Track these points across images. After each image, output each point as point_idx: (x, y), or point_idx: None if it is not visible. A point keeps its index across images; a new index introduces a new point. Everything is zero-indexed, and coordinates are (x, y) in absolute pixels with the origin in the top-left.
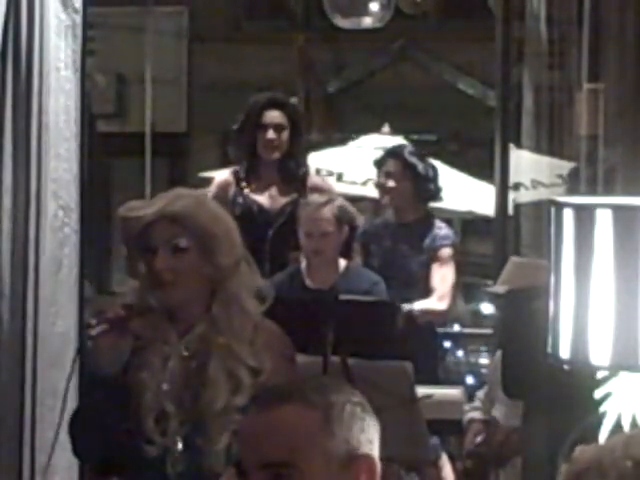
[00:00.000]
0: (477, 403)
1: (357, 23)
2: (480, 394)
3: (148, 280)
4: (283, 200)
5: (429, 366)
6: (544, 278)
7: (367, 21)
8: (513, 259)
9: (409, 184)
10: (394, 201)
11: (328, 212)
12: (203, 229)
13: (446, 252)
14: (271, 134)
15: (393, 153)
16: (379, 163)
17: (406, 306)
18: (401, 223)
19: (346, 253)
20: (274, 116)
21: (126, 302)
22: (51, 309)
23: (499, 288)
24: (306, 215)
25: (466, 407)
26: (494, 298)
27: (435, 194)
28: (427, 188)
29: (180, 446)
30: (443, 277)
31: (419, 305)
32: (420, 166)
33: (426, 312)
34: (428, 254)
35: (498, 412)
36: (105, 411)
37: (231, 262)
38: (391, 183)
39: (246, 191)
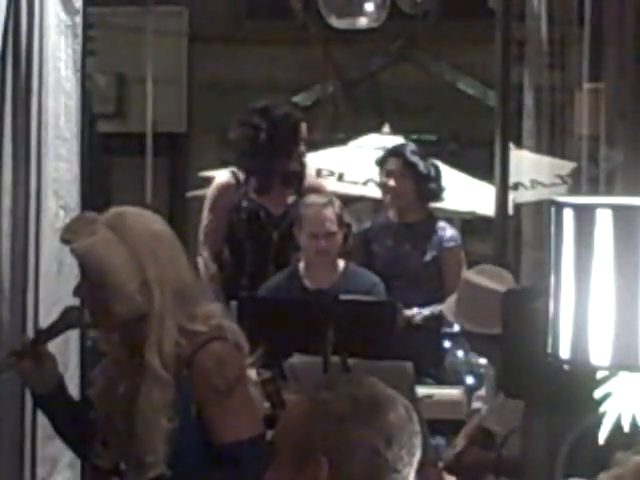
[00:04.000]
0: (483, 392)
1: (352, 23)
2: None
3: None
4: (286, 202)
5: (432, 366)
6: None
7: (362, 21)
8: (466, 277)
9: (410, 183)
10: (396, 200)
11: (331, 212)
12: (98, 275)
13: (457, 254)
14: (303, 148)
15: (394, 152)
16: (381, 162)
17: (435, 308)
18: (403, 223)
19: (342, 253)
20: (304, 129)
21: (40, 327)
22: (52, 309)
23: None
24: (311, 215)
25: (473, 397)
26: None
27: (437, 194)
28: (429, 187)
29: (123, 464)
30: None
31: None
32: (421, 165)
33: None
34: (437, 256)
35: (486, 411)
36: (55, 425)
37: (126, 311)
38: (392, 182)
39: (250, 194)
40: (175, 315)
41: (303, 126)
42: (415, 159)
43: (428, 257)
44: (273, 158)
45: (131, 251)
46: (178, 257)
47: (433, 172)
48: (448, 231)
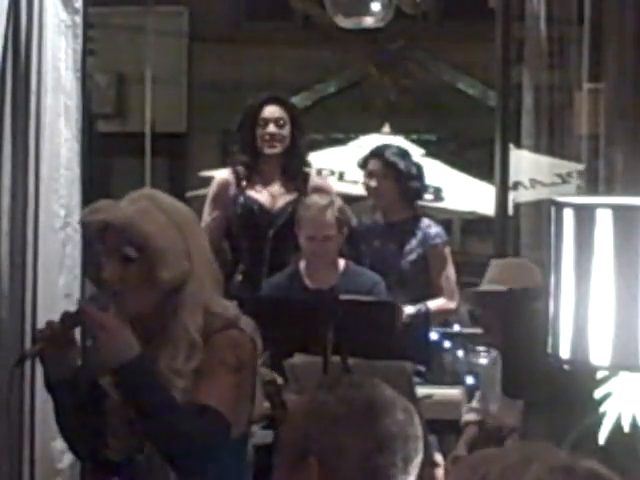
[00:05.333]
0: (474, 403)
1: (358, 23)
2: (478, 394)
3: (102, 287)
4: (284, 200)
5: (421, 363)
6: (532, 278)
7: (369, 21)
8: (495, 261)
9: (392, 183)
10: (379, 201)
11: (330, 215)
12: (145, 240)
13: (442, 250)
14: (272, 128)
15: (375, 153)
16: (363, 164)
17: (422, 305)
18: (388, 223)
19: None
20: (274, 111)
21: (67, 310)
22: (51, 309)
23: (492, 287)
24: (308, 218)
25: (463, 408)
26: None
27: (420, 192)
28: (411, 187)
29: (141, 455)
30: (447, 276)
31: (433, 304)
32: (402, 165)
33: (439, 311)
34: (423, 253)
35: (494, 407)
36: (65, 415)
37: (173, 276)
38: (374, 183)
39: (248, 191)
40: (206, 290)
41: (268, 108)
42: (396, 159)
43: (414, 255)
44: (243, 140)
45: (170, 218)
46: (205, 237)
47: (415, 171)
48: (433, 228)
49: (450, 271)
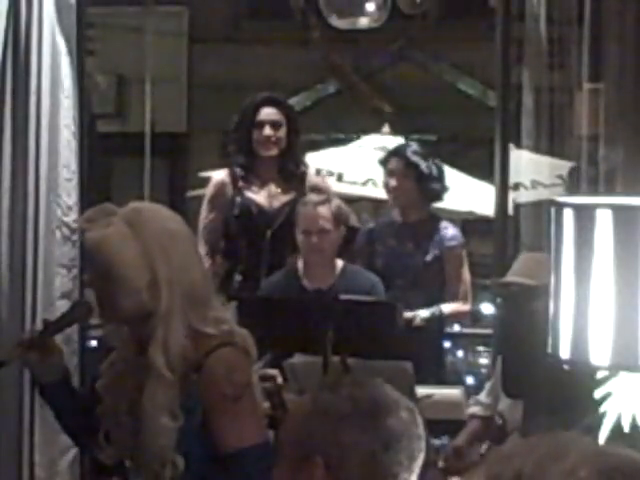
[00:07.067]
0: (482, 396)
1: (353, 23)
2: (488, 388)
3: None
4: (282, 200)
5: (433, 366)
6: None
7: (363, 21)
8: (527, 254)
9: (412, 183)
10: (398, 200)
11: (326, 210)
12: (108, 266)
13: (459, 253)
14: (268, 130)
15: (396, 152)
16: (383, 162)
17: (436, 309)
18: (406, 222)
19: (343, 254)
20: (270, 113)
21: (46, 319)
22: (51, 309)
23: (519, 279)
24: (304, 213)
25: (471, 400)
26: (496, 296)
27: (440, 193)
28: (431, 187)
29: (128, 460)
30: (462, 279)
31: (447, 308)
32: (423, 165)
33: (454, 314)
34: (439, 255)
35: (503, 405)
36: (58, 415)
37: (131, 306)
38: (394, 182)
39: (245, 192)
40: (184, 316)
41: (265, 110)
42: (416, 159)
43: (430, 256)
44: (239, 141)
45: (143, 248)
46: (191, 258)
47: (435, 172)
48: (450, 230)
49: (466, 274)
